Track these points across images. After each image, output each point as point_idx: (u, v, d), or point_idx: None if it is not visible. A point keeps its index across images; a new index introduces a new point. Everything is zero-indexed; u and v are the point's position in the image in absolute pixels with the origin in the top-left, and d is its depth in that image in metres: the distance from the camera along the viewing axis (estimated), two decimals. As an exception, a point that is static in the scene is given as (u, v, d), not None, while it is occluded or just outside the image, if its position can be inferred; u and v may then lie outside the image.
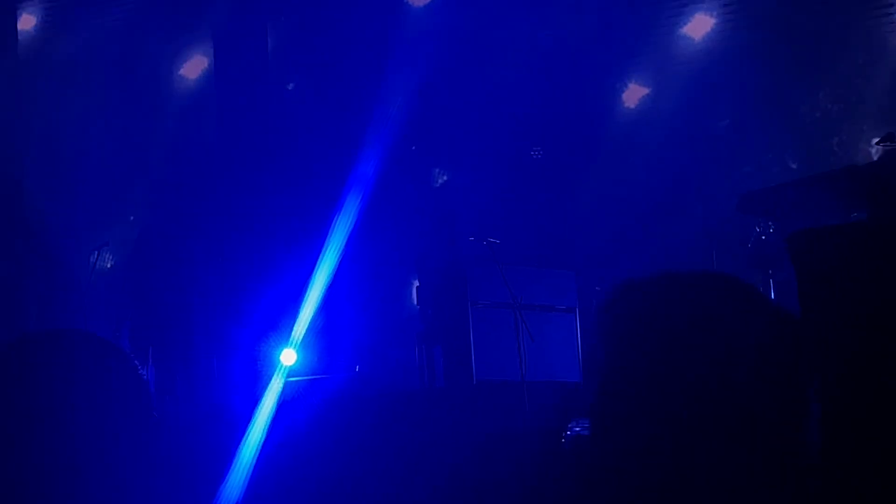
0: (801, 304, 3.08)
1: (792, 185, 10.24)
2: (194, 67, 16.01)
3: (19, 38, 14.18)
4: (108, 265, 13.88)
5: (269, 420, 10.06)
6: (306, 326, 11.81)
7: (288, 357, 11.63)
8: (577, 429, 8.11)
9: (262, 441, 9.68)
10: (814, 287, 3.09)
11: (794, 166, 13.26)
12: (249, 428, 9.86)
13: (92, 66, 15.40)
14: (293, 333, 11.74)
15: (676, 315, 1.85)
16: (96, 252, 12.96)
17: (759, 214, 11.00)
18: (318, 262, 12.12)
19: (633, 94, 14.98)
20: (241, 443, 9.65)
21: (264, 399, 10.71)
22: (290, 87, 15.52)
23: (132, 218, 14.78)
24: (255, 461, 9.44)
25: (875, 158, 11.39)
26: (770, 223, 11.31)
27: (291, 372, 11.63)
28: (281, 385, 11.26)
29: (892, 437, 2.96)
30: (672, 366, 1.80)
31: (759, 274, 10.42)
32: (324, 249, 12.19)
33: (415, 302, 12.77)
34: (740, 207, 10.34)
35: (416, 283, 12.41)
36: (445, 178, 14.61)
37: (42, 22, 15.22)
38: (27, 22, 14.84)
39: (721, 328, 1.82)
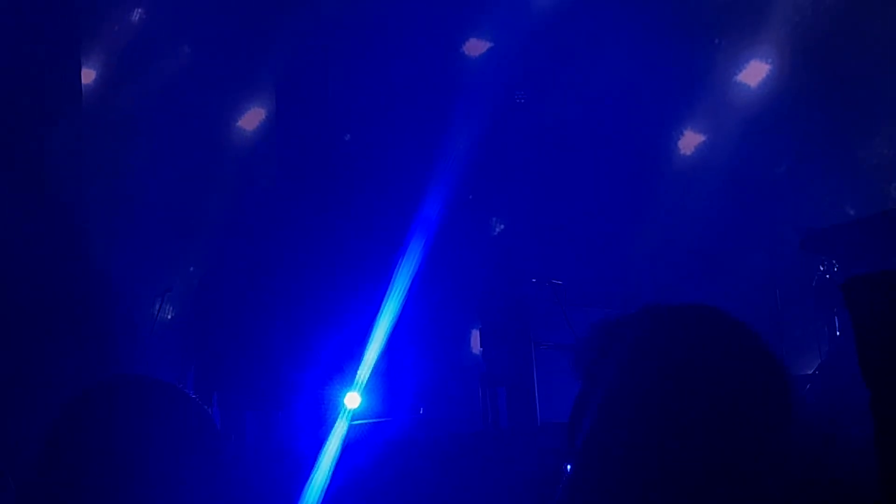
0: (858, 352, 3.07)
1: (856, 224, 10.19)
2: (252, 119, 16.25)
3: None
4: (169, 316, 14.00)
5: (334, 463, 10.10)
6: (370, 369, 11.85)
7: (352, 400, 11.67)
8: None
9: (327, 484, 9.72)
10: (871, 335, 3.07)
11: (851, 212, 13.18)
12: (314, 471, 9.90)
13: (151, 119, 15.66)
14: (357, 376, 11.79)
15: (660, 350, 1.84)
16: (159, 299, 13.08)
17: (822, 253, 10.92)
18: (381, 306, 12.17)
19: (689, 142, 15.00)
20: (307, 486, 9.69)
21: (329, 442, 10.75)
22: (347, 138, 15.72)
23: (192, 269, 14.93)
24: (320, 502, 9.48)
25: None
26: (834, 262, 11.24)
27: (356, 415, 11.67)
28: (345, 428, 11.30)
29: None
30: (655, 402, 1.79)
31: (822, 313, 10.35)
32: (387, 293, 12.25)
33: (478, 343, 12.78)
34: (804, 246, 10.31)
35: (479, 325, 12.42)
36: (503, 226, 14.67)
37: (101, 75, 15.48)
38: (87, 76, 15.10)
39: (704, 363, 1.80)
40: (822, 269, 10.97)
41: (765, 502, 1.77)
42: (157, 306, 13.08)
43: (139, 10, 16.02)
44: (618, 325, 1.94)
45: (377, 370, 12.02)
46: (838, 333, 10.03)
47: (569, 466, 1.95)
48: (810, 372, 10.63)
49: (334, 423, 11.37)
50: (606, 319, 1.96)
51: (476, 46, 15.54)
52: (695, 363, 1.82)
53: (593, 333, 1.96)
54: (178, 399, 2.31)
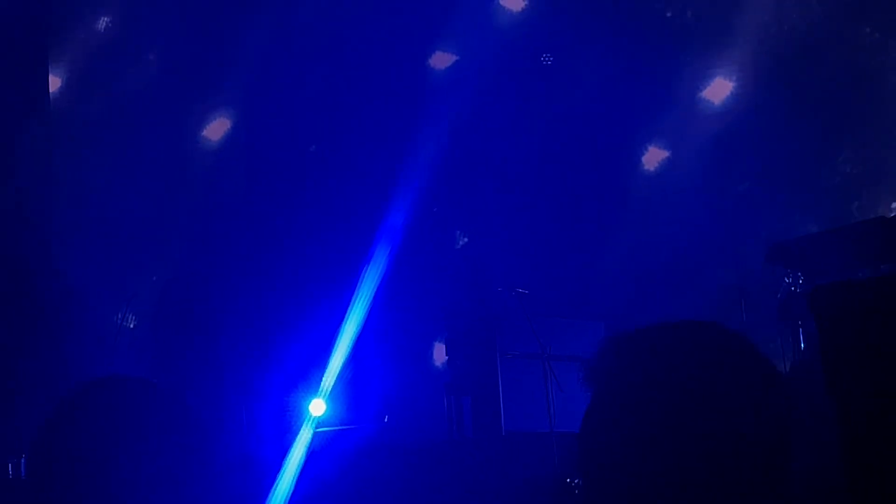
0: (823, 362, 3.08)
1: (821, 236, 10.25)
2: (218, 129, 16.29)
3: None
4: (132, 325, 13.92)
5: (298, 470, 10.07)
6: (335, 377, 11.83)
7: (317, 407, 11.65)
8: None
9: (291, 491, 9.69)
10: (836, 344, 3.09)
11: (815, 230, 13.27)
12: (279, 478, 9.87)
13: (116, 127, 15.65)
14: (322, 384, 11.77)
15: (662, 366, 1.86)
16: (124, 306, 13.01)
17: (788, 265, 10.96)
18: (346, 313, 12.16)
19: (653, 157, 15.08)
20: (271, 493, 9.66)
21: (293, 449, 10.72)
22: (313, 148, 15.78)
23: (154, 278, 14.89)
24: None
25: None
26: (800, 274, 11.28)
27: (320, 422, 11.64)
28: (310, 435, 11.27)
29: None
30: (657, 417, 1.81)
31: (788, 326, 10.38)
32: (352, 300, 12.24)
33: (443, 352, 12.78)
34: (769, 258, 10.35)
35: (445, 334, 12.42)
36: (466, 239, 14.73)
37: (66, 83, 15.45)
38: (53, 83, 15.07)
39: (707, 378, 1.83)
40: (787, 280, 11.00)
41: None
42: (122, 313, 13.01)
43: (105, 19, 16.01)
44: (625, 341, 1.97)
45: (342, 377, 12.00)
46: (803, 345, 10.07)
47: (577, 481, 1.98)
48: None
49: (299, 430, 11.34)
50: (614, 336, 2.01)
51: (442, 59, 15.61)
52: (711, 378, 1.85)
53: (607, 348, 1.99)
54: (162, 395, 2.36)
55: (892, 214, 10.99)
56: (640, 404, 1.85)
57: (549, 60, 14.97)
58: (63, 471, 2.19)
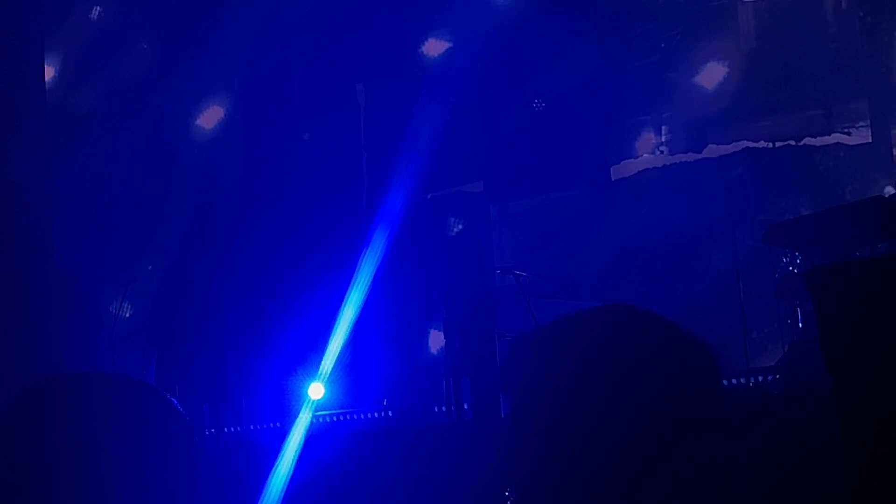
0: (820, 342, 3.08)
1: (818, 216, 10.23)
2: (211, 117, 16.32)
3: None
4: (128, 314, 13.90)
5: (297, 454, 10.08)
6: (334, 360, 11.84)
7: (316, 391, 11.66)
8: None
9: (290, 475, 9.70)
10: (834, 324, 3.09)
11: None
12: (277, 461, 9.88)
13: (110, 116, 15.67)
14: (321, 367, 11.78)
15: (573, 361, 1.76)
16: (121, 294, 12.99)
17: (785, 246, 10.97)
18: (345, 297, 12.17)
19: (647, 142, 15.13)
20: (270, 476, 9.67)
21: (292, 433, 10.73)
22: (307, 136, 15.83)
23: (150, 267, 14.89)
24: (283, 495, 9.46)
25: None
26: (798, 254, 11.28)
27: (319, 406, 11.65)
28: (309, 419, 11.29)
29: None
30: (575, 415, 1.71)
31: (786, 306, 10.39)
32: (351, 284, 12.25)
33: (437, 343, 12.80)
34: (766, 239, 10.35)
35: (444, 317, 12.43)
36: (461, 227, 14.76)
37: (60, 72, 15.46)
38: (47, 73, 15.07)
39: (625, 366, 1.73)
40: (785, 261, 11.01)
41: (714, 497, 1.73)
42: (119, 301, 13.00)
43: (97, 8, 16.01)
44: (535, 340, 1.83)
45: (341, 361, 12.02)
46: (801, 325, 10.08)
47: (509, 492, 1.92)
48: (774, 364, 10.69)
49: (298, 413, 11.36)
50: (523, 336, 1.86)
51: (435, 46, 15.65)
52: (626, 367, 1.74)
53: (513, 353, 1.85)
54: (139, 392, 2.25)
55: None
56: (555, 404, 1.75)
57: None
58: (12, 473, 2.13)
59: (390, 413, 12.99)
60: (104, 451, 2.12)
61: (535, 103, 14.96)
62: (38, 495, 2.09)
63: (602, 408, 1.72)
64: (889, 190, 10.30)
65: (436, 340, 13.76)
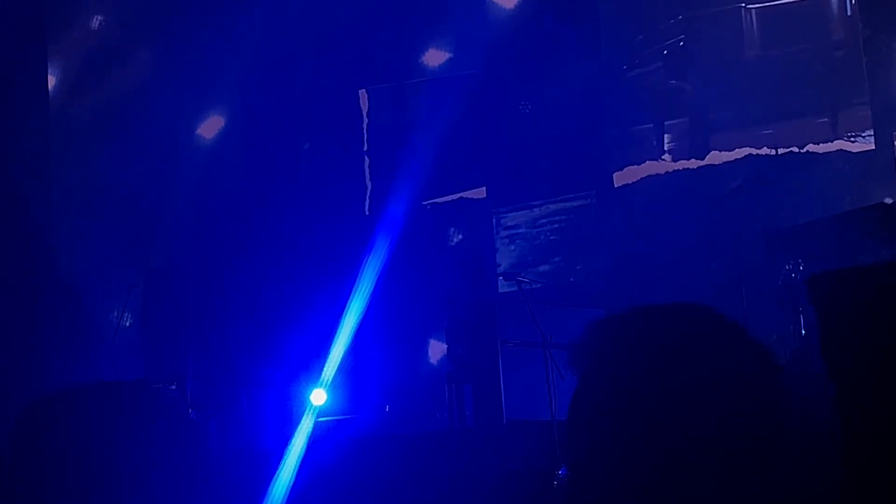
0: (822, 349, 3.08)
1: (820, 224, 10.23)
2: (211, 127, 16.38)
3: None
4: (128, 323, 13.90)
5: (300, 460, 10.08)
6: (336, 366, 11.84)
7: (318, 397, 11.66)
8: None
9: (293, 481, 9.70)
10: (836, 332, 3.09)
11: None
12: (280, 468, 9.88)
13: (110, 126, 15.73)
14: (323, 373, 11.78)
15: (648, 348, 1.82)
16: (123, 300, 12.98)
17: (787, 253, 10.97)
18: (348, 302, 12.17)
19: (649, 149, 15.18)
20: (272, 482, 9.67)
21: (294, 439, 10.73)
22: (306, 146, 15.90)
23: (154, 270, 14.89)
24: (285, 500, 9.46)
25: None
26: (800, 261, 11.27)
27: (322, 412, 11.65)
28: (311, 425, 11.28)
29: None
30: (645, 402, 1.78)
31: (788, 313, 10.38)
32: (354, 289, 12.25)
33: (436, 354, 12.80)
34: (769, 246, 10.35)
35: (445, 323, 12.44)
36: (461, 237, 14.79)
37: (61, 80, 15.50)
38: (49, 80, 15.12)
39: (695, 359, 1.80)
40: (787, 267, 11.00)
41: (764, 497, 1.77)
42: (121, 307, 13.00)
43: (98, 17, 16.05)
44: (612, 323, 1.93)
45: (343, 367, 12.02)
46: (803, 332, 10.08)
47: (561, 472, 1.96)
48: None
49: (300, 419, 11.35)
50: (600, 319, 1.95)
51: (436, 56, 15.70)
52: (687, 359, 1.82)
53: (588, 333, 1.93)
54: (147, 397, 2.29)
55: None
56: (627, 388, 1.81)
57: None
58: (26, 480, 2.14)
59: (392, 419, 12.99)
60: (115, 457, 2.15)
61: (522, 105, 15.00)
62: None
63: (665, 393, 1.79)
64: (889, 201, 10.30)
65: (437, 349, 13.77)
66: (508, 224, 15.30)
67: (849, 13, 14.05)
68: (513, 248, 15.17)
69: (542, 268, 14.59)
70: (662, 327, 1.88)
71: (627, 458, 1.78)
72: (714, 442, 1.77)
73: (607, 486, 1.79)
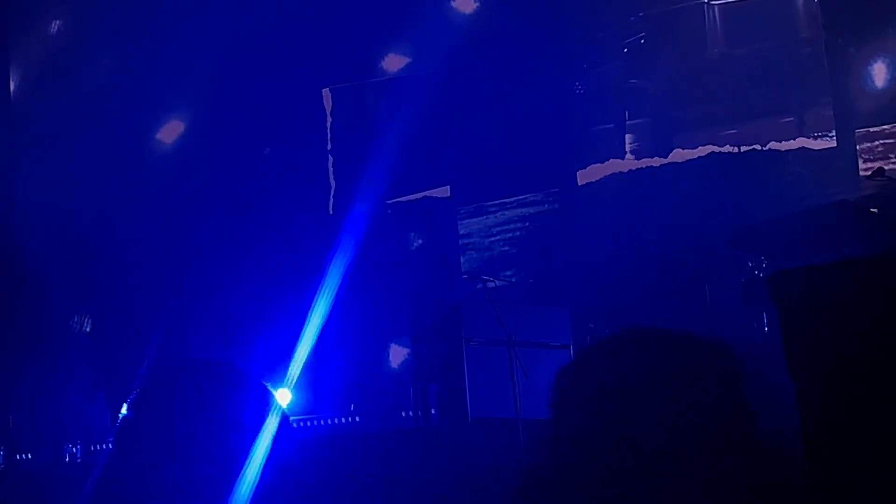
0: (784, 347, 3.10)
1: (785, 220, 10.28)
2: (171, 132, 16.37)
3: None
4: (88, 328, 13.83)
5: (264, 460, 10.05)
6: (301, 366, 11.82)
7: (283, 397, 11.63)
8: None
9: (257, 480, 9.67)
10: (797, 329, 3.11)
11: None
12: (244, 467, 9.85)
13: (70, 130, 15.70)
14: (288, 373, 11.75)
15: (647, 365, 1.86)
16: (83, 307, 12.91)
17: (750, 250, 11.01)
18: (312, 303, 12.15)
19: (613, 147, 15.24)
20: (237, 482, 9.64)
21: (259, 438, 10.69)
22: (267, 151, 15.95)
23: (113, 276, 14.84)
24: (250, 501, 9.43)
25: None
26: (763, 258, 11.33)
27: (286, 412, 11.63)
28: (276, 425, 11.24)
29: (884, 488, 2.97)
30: (630, 411, 1.81)
31: (752, 310, 10.43)
32: (318, 289, 12.23)
33: (398, 359, 12.78)
34: (733, 243, 10.39)
35: (410, 322, 12.43)
36: (421, 241, 14.80)
37: (19, 86, 15.44)
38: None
39: (679, 376, 1.84)
40: (751, 265, 11.05)
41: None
42: (82, 314, 12.94)
43: (57, 22, 16.00)
44: (583, 358, 2.06)
45: (308, 367, 11.99)
46: (766, 329, 10.13)
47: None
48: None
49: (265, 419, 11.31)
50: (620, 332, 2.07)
51: (395, 62, 15.73)
52: (682, 376, 1.88)
53: (565, 371, 2.07)
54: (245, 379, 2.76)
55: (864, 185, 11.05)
56: (618, 398, 1.87)
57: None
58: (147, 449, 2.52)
59: (357, 418, 12.98)
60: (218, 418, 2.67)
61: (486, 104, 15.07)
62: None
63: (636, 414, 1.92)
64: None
65: (402, 348, 13.76)
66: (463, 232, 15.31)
67: (814, 10, 14.09)
68: (474, 254, 15.19)
69: (506, 266, 14.61)
70: (626, 365, 1.99)
71: (609, 462, 1.81)
72: (693, 444, 1.80)
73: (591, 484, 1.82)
